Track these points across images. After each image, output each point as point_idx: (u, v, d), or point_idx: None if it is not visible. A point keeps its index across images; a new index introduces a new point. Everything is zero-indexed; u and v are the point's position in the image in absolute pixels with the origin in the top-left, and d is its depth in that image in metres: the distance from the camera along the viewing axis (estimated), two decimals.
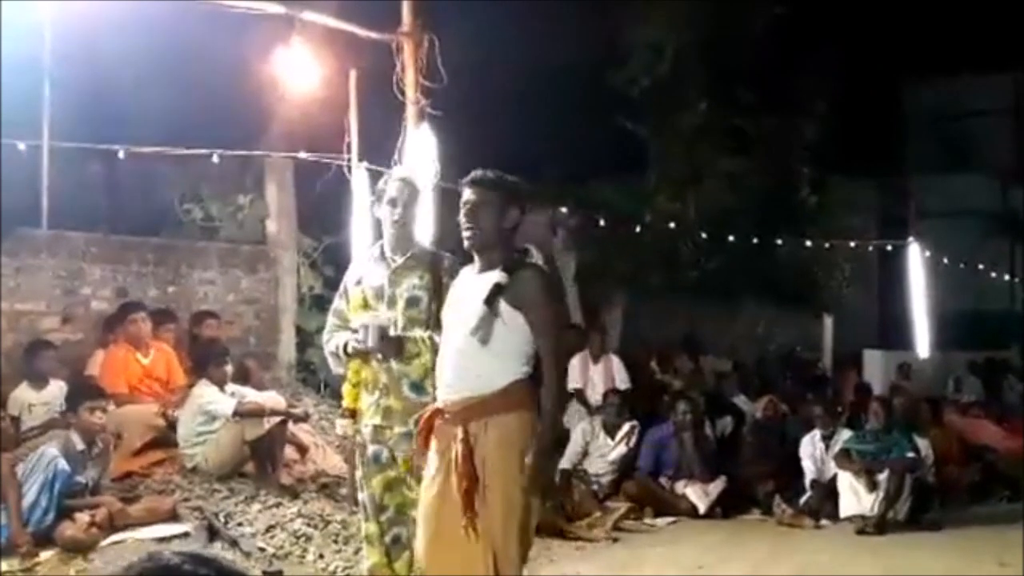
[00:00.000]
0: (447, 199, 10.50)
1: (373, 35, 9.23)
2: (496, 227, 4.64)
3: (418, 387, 5.27)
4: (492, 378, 4.50)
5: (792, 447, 10.88)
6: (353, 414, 5.43)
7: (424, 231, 8.90)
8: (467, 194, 4.68)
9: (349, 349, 5.40)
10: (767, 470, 10.85)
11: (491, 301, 4.48)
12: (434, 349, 5.10)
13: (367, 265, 5.60)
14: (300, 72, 9.01)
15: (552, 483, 4.88)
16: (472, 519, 4.39)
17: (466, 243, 4.70)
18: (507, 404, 4.49)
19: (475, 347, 4.51)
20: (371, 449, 5.37)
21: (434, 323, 5.21)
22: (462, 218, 4.68)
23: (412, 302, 5.35)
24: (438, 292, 5.25)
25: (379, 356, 5.35)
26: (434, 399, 4.83)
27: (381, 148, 9.14)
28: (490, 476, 4.42)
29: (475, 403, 4.50)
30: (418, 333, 5.30)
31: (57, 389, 8.48)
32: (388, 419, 5.31)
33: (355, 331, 5.37)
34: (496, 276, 4.53)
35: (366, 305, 5.46)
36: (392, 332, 5.31)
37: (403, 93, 9.06)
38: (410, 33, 9.07)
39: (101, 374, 8.98)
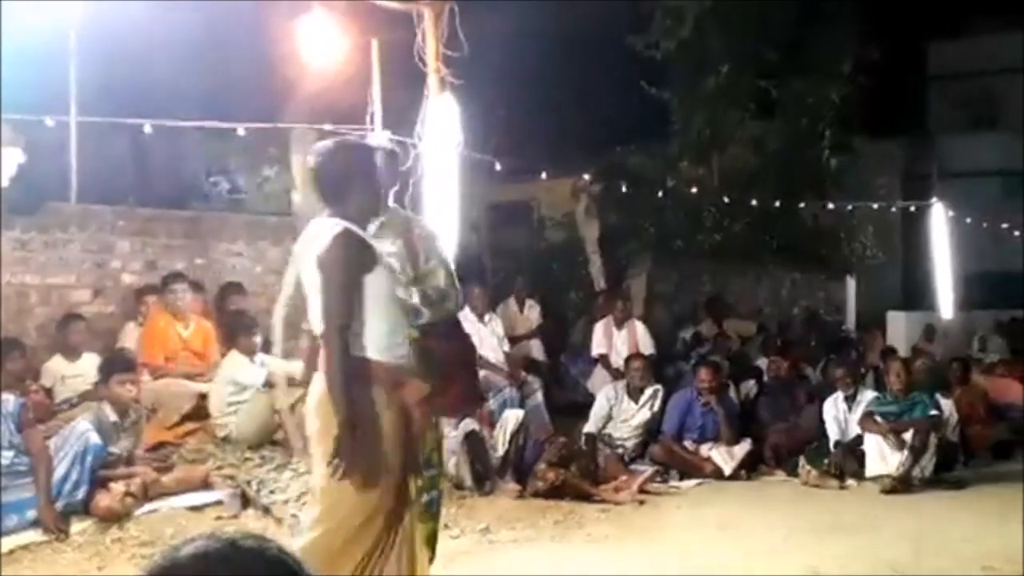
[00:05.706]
0: (471, 168, 10.62)
1: (393, 5, 9.24)
2: None
3: None
4: None
5: (813, 409, 11.00)
6: None
7: (447, 198, 9.02)
8: None
9: None
10: (780, 431, 10.95)
11: None
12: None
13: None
14: (322, 43, 9.05)
15: None
16: None
17: None
18: None
19: None
20: None
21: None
22: None
23: None
24: (412, 257, 5.18)
25: None
26: None
27: (404, 118, 9.19)
28: None
29: None
30: None
31: (89, 361, 8.59)
32: None
33: None
34: None
35: None
36: None
37: (424, 63, 9.09)
38: (430, 2, 9.09)
39: (141, 342, 9.13)
